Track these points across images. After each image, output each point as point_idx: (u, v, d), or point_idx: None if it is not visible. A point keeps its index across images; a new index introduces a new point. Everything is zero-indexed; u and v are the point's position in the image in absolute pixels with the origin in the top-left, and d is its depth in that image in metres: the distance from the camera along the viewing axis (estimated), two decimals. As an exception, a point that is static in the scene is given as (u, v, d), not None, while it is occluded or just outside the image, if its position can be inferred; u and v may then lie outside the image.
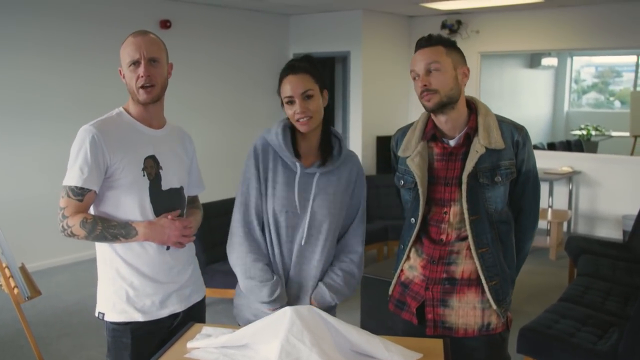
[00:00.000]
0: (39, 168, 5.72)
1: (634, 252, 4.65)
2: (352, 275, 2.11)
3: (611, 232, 6.87)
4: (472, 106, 2.01)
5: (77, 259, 5.80)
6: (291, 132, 2.09)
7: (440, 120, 1.98)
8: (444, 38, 1.96)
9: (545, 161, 6.80)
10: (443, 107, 1.92)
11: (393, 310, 2.17)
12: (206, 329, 2.00)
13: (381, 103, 7.98)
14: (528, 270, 5.59)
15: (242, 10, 7.51)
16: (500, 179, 1.93)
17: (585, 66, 11.87)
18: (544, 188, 6.08)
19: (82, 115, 5.86)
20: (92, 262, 2.09)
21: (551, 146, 8.91)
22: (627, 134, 9.11)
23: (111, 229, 1.94)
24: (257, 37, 7.78)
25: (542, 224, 6.67)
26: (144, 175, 2.00)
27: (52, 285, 5.17)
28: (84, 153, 1.91)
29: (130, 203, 1.99)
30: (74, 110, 5.94)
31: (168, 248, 2.07)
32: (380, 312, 3.82)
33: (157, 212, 2.03)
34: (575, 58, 11.36)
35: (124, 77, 2.03)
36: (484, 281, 1.95)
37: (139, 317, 2.03)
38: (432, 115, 2.00)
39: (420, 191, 1.97)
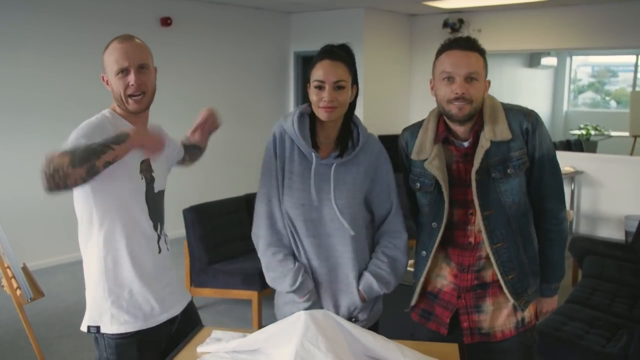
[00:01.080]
0: (38, 167, 5.66)
1: (638, 253, 4.63)
2: (398, 260, 2.03)
3: (613, 233, 6.86)
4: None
5: (78, 258, 5.66)
6: (310, 120, 2.01)
7: (458, 129, 1.92)
8: (480, 45, 1.87)
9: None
10: (470, 119, 1.86)
11: (417, 320, 2.11)
12: (216, 333, 1.96)
13: (382, 102, 7.95)
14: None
15: (243, 8, 7.47)
16: (513, 171, 1.87)
17: (582, 66, 11.87)
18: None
19: (83, 113, 5.78)
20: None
21: (551, 146, 8.90)
22: (625, 133, 9.11)
23: (97, 144, 1.73)
24: (258, 34, 7.74)
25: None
26: (142, 179, 1.95)
27: (53, 284, 5.12)
28: (99, 134, 1.80)
29: (125, 207, 1.92)
30: (74, 108, 5.88)
31: (160, 252, 2.02)
32: (398, 316, 3.78)
33: (151, 214, 1.99)
34: (573, 57, 11.36)
35: (107, 84, 1.94)
36: (499, 276, 1.91)
37: (142, 325, 1.95)
38: (447, 120, 1.92)
39: (445, 194, 1.91)
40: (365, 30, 7.52)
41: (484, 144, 1.85)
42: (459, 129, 1.92)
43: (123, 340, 1.94)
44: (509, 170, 1.87)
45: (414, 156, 1.99)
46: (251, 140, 7.43)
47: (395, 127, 8.18)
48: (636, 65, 10.65)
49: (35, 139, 5.64)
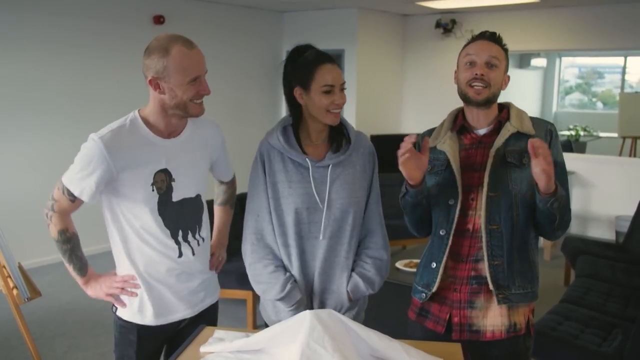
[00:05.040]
0: (29, 165, 5.62)
1: (631, 253, 4.67)
2: (382, 260, 2.09)
3: (604, 233, 6.91)
4: (505, 106, 2.04)
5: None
6: (294, 130, 2.05)
7: (472, 112, 1.98)
8: (504, 42, 1.98)
9: (538, 161, 6.81)
10: (487, 103, 1.93)
11: (415, 319, 2.11)
12: (218, 333, 1.95)
13: (375, 102, 7.95)
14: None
15: (236, 7, 7.45)
16: (528, 161, 1.89)
17: (569, 67, 11.97)
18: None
19: (74, 111, 5.86)
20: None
21: (541, 146, 8.94)
22: (613, 134, 9.20)
23: (74, 257, 2.02)
24: (251, 33, 7.72)
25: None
26: (152, 190, 1.94)
27: (45, 284, 5.08)
28: (90, 169, 1.87)
29: (139, 216, 1.96)
30: (66, 106, 5.85)
31: (180, 256, 2.03)
32: (381, 314, 3.79)
33: (168, 224, 1.99)
34: (563, 59, 11.45)
35: (158, 87, 1.87)
36: (486, 258, 1.92)
37: (149, 322, 2.04)
38: (465, 107, 2.00)
39: (454, 167, 1.94)
40: (358, 30, 7.52)
41: (510, 129, 1.93)
42: (473, 112, 1.98)
43: (127, 324, 2.05)
44: (523, 160, 1.91)
45: (429, 143, 2.03)
46: (244, 139, 7.40)
47: (387, 127, 8.20)
48: (624, 67, 10.76)
49: (26, 138, 5.60)
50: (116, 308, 2.06)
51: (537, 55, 10.32)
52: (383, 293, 2.87)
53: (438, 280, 2.00)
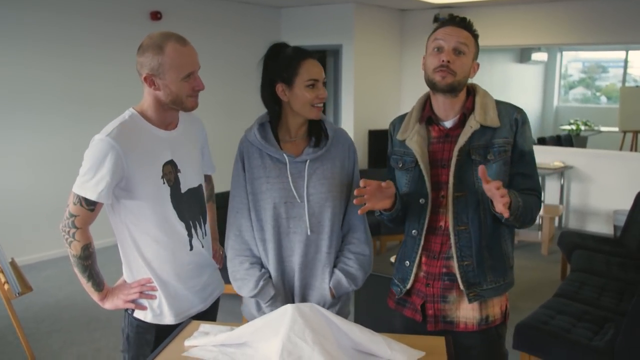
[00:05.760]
0: (27, 162, 5.64)
1: (627, 247, 4.66)
2: (364, 255, 2.07)
3: (602, 227, 6.90)
4: (471, 89, 1.98)
5: (65, 253, 5.68)
6: (272, 127, 2.06)
7: (438, 101, 1.93)
8: (474, 27, 1.91)
9: (536, 156, 6.76)
10: (452, 90, 1.88)
11: (394, 308, 2.12)
12: (204, 327, 1.96)
13: (373, 97, 7.95)
14: (520, 265, 5.60)
15: (233, 3, 7.45)
16: (493, 157, 1.88)
17: (573, 61, 11.92)
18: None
19: (68, 108, 5.86)
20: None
21: (541, 141, 8.93)
22: (615, 129, 9.16)
23: (93, 272, 1.99)
24: (248, 29, 7.71)
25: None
26: (164, 183, 1.96)
27: (41, 279, 5.09)
28: (105, 169, 1.85)
29: (152, 214, 1.95)
30: (60, 103, 5.85)
31: (191, 249, 2.06)
32: (375, 309, 3.80)
33: (181, 216, 2.01)
34: (564, 53, 11.40)
35: (153, 84, 1.90)
36: (455, 260, 1.91)
37: (169, 322, 2.05)
38: (431, 95, 1.96)
39: (422, 167, 1.92)
40: (355, 25, 7.51)
41: (472, 124, 1.87)
42: (439, 101, 1.93)
43: (143, 324, 2.04)
44: (488, 156, 1.88)
45: (399, 136, 2.02)
46: (241, 135, 7.42)
47: (385, 122, 8.15)
48: (626, 61, 10.71)
49: (24, 135, 5.60)
50: (132, 310, 2.04)
51: (538, 49, 10.28)
52: (377, 287, 2.88)
53: (412, 278, 2.01)
